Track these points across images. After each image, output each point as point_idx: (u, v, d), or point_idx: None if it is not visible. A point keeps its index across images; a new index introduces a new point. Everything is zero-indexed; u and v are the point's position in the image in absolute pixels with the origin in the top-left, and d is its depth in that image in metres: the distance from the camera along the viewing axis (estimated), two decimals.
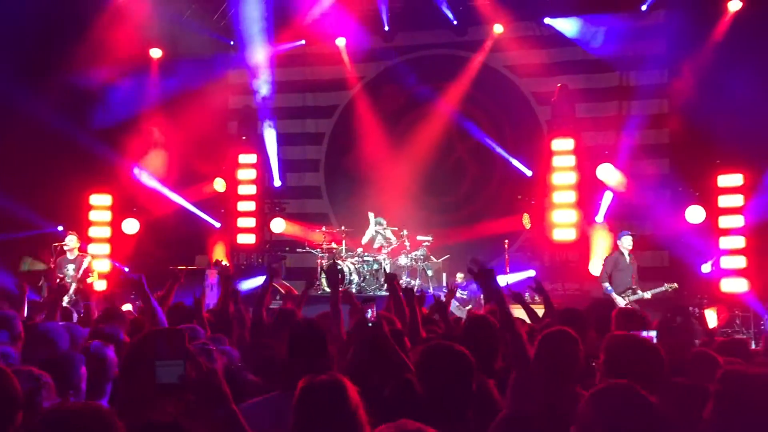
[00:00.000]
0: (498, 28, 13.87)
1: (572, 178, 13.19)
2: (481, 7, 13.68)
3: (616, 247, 10.18)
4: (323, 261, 12.69)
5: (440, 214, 14.23)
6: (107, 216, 14.11)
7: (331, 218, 14.81)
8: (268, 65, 14.47)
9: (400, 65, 14.79)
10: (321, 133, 15.53)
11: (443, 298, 5.75)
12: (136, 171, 13.73)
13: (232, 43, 14.80)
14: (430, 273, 12.51)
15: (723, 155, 11.93)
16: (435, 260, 12.66)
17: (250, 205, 14.87)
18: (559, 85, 13.25)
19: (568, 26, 13.51)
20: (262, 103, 14.61)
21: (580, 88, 13.54)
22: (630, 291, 9.73)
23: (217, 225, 14.76)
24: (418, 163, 14.16)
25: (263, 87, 14.52)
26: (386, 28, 14.34)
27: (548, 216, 13.27)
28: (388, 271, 12.18)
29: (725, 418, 2.22)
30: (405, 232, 12.49)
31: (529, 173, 13.90)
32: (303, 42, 14.77)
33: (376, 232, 12.71)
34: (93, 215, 13.98)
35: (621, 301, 9.57)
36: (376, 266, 12.46)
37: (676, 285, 9.86)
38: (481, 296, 6.35)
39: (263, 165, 14.87)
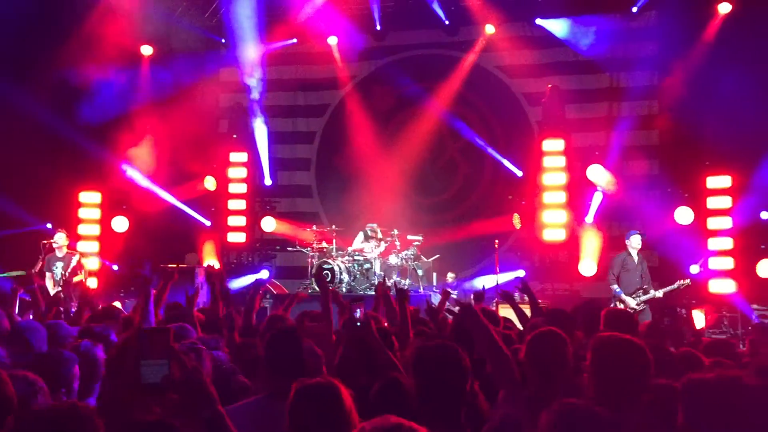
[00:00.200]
0: (489, 29, 13.89)
1: (562, 178, 13.24)
2: (472, 8, 13.68)
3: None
4: (314, 260, 12.68)
5: (431, 214, 14.26)
6: (96, 213, 14.05)
7: (322, 217, 14.79)
8: (259, 63, 14.43)
9: (392, 65, 14.79)
10: (312, 132, 15.51)
11: (434, 302, 5.77)
12: (125, 168, 13.68)
13: (223, 41, 14.76)
14: (420, 272, 12.52)
15: (712, 157, 12.01)
16: (425, 260, 12.67)
17: (240, 204, 14.85)
18: (549, 85, 13.29)
19: (559, 27, 13.54)
20: (253, 101, 14.57)
21: (571, 89, 13.59)
22: (641, 291, 9.62)
23: (208, 223, 14.73)
24: (409, 163, 14.17)
25: (254, 85, 14.48)
26: (378, 28, 14.34)
27: (538, 216, 13.31)
28: (378, 271, 12.19)
29: (693, 425, 2.24)
30: (395, 232, 12.49)
31: (519, 173, 13.93)
32: (295, 40, 14.74)
33: (368, 238, 12.66)
34: (82, 212, 13.93)
35: (631, 302, 9.49)
36: (366, 266, 12.46)
37: (688, 281, 9.76)
38: (472, 296, 6.36)
39: (254, 163, 14.84)
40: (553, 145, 13.29)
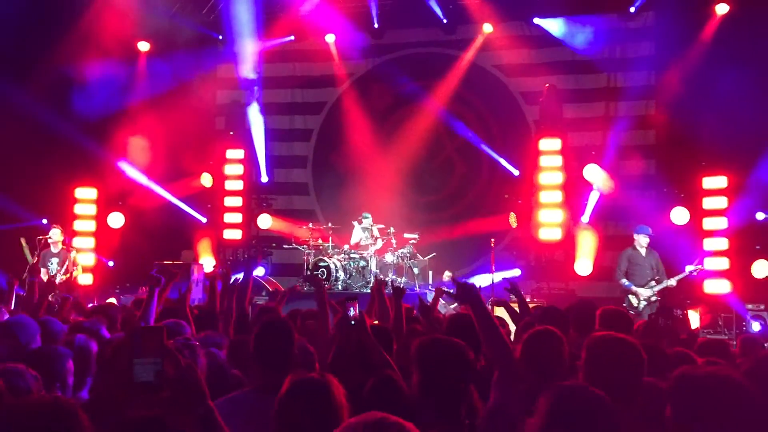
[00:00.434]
0: (487, 28, 13.89)
1: (559, 177, 13.25)
2: (470, 6, 13.68)
3: (620, 245, 10.23)
4: (310, 257, 12.68)
5: (427, 212, 14.26)
6: (92, 209, 14.05)
7: (318, 215, 14.78)
8: (256, 60, 14.42)
9: (389, 63, 14.78)
10: (309, 130, 15.50)
11: (428, 300, 5.78)
12: (122, 165, 13.66)
13: (220, 37, 14.74)
14: (416, 271, 12.53)
15: (708, 157, 12.03)
16: (421, 258, 12.67)
17: (236, 201, 14.84)
18: (547, 85, 13.30)
19: (556, 27, 13.55)
20: (250, 98, 14.54)
21: (568, 88, 13.61)
22: (653, 282, 9.74)
23: (204, 220, 14.72)
24: (406, 161, 14.17)
25: (251, 82, 14.46)
26: (376, 26, 14.33)
27: (535, 215, 13.32)
28: (374, 269, 12.19)
29: (682, 422, 2.24)
30: (392, 230, 12.49)
31: (516, 172, 13.95)
32: (292, 38, 14.73)
33: (363, 229, 12.71)
34: (78, 208, 13.92)
35: (645, 293, 9.63)
36: (362, 263, 12.46)
37: (701, 266, 9.94)
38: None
39: (251, 160, 14.84)
40: (550, 144, 13.30)
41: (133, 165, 13.79)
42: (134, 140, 13.67)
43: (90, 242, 13.72)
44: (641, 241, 10.01)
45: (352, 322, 3.50)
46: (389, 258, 12.39)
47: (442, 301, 11.76)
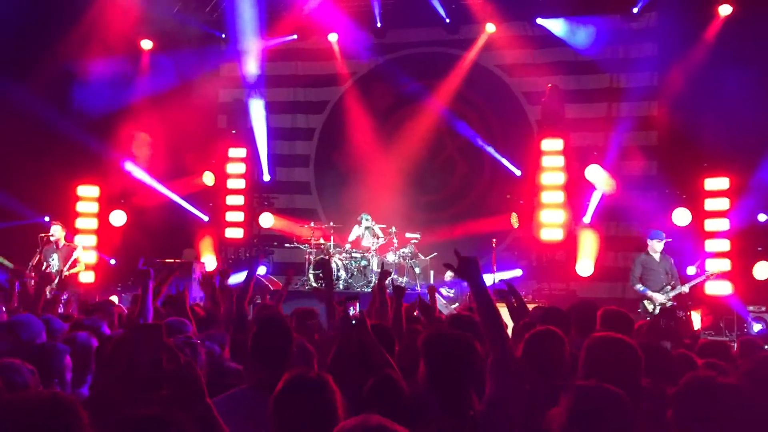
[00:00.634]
0: (490, 27, 13.88)
1: (561, 178, 13.25)
2: (473, 6, 13.69)
3: (646, 247, 9.94)
4: (311, 256, 12.69)
5: (429, 212, 14.25)
6: (94, 207, 14.07)
7: (320, 214, 14.79)
8: (259, 59, 14.42)
9: (392, 62, 14.77)
10: (311, 129, 15.50)
11: (428, 299, 5.78)
12: (125, 163, 13.67)
13: (223, 36, 14.73)
14: (417, 270, 12.53)
15: (710, 159, 12.02)
16: (423, 258, 12.67)
17: (238, 199, 14.86)
18: (549, 85, 13.29)
19: (559, 27, 13.54)
20: (252, 97, 14.54)
21: (571, 88, 13.60)
22: (669, 287, 9.61)
23: (206, 218, 14.73)
24: (408, 161, 14.16)
25: (254, 80, 14.46)
26: (378, 25, 14.32)
27: (536, 216, 13.32)
28: (375, 268, 12.19)
29: (683, 424, 2.24)
30: (393, 229, 12.50)
31: (518, 173, 13.94)
32: (295, 37, 14.73)
33: (365, 228, 12.71)
34: (80, 206, 13.95)
35: (661, 298, 9.49)
36: (364, 263, 12.47)
37: (716, 270, 9.84)
38: (468, 295, 6.37)
39: (253, 159, 14.84)
40: (552, 144, 13.30)
41: (136, 163, 13.80)
42: (137, 138, 13.67)
43: (92, 240, 13.73)
44: (655, 246, 9.82)
45: (353, 322, 3.50)
46: (391, 257, 12.40)
47: (442, 301, 11.81)
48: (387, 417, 1.97)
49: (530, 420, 2.75)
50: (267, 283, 12.80)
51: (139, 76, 14.15)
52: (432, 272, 13.06)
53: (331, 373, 2.96)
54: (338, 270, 12.18)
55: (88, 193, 14.05)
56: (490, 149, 14.14)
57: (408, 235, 12.62)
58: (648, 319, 8.85)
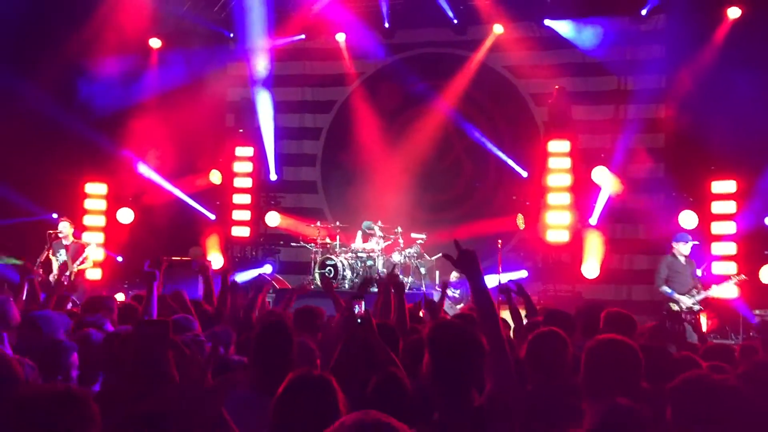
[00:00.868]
0: (498, 28, 13.87)
1: (567, 180, 13.24)
2: (481, 7, 13.68)
3: (670, 249, 9.70)
4: (317, 256, 12.72)
5: (435, 212, 14.24)
6: (102, 205, 14.14)
7: (326, 213, 14.82)
8: (267, 58, 14.45)
9: (400, 62, 14.78)
10: (319, 128, 15.53)
11: (435, 298, 5.80)
12: (133, 161, 13.73)
13: (231, 35, 14.79)
14: (423, 271, 12.54)
15: (717, 161, 12.00)
16: (428, 258, 12.68)
17: (245, 198, 14.91)
18: (556, 86, 13.28)
19: (567, 28, 13.52)
20: (260, 96, 14.57)
21: (578, 90, 13.59)
22: (695, 290, 9.40)
23: (212, 217, 14.78)
24: (415, 161, 14.17)
25: (262, 80, 14.49)
26: (386, 25, 14.34)
27: (542, 217, 13.31)
28: (381, 268, 12.20)
29: (681, 424, 2.26)
30: (399, 229, 12.51)
31: (524, 174, 13.93)
32: (303, 36, 14.76)
33: (368, 235, 12.69)
34: (88, 204, 14.02)
35: (687, 301, 9.27)
36: (369, 262, 12.49)
37: (742, 276, 9.61)
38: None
39: (260, 158, 14.89)
40: (559, 146, 13.29)
41: (144, 161, 13.86)
42: (149, 152, 13.76)
43: (99, 237, 13.80)
44: (681, 249, 9.53)
45: (359, 321, 3.53)
46: (396, 257, 12.42)
47: (447, 301, 11.81)
48: (390, 415, 1.99)
49: (532, 420, 2.76)
50: (273, 282, 12.84)
51: (148, 74, 14.21)
52: (437, 272, 13.07)
53: (335, 372, 2.99)
54: (344, 270, 12.21)
55: (95, 191, 14.12)
56: (497, 150, 14.14)
57: (414, 235, 12.63)
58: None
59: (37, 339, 3.67)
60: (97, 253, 11.49)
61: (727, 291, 9.76)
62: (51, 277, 10.02)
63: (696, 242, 9.82)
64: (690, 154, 12.43)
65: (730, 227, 11.89)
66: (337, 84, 15.27)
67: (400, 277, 11.90)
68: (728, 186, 12.04)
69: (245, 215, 14.87)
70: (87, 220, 13.78)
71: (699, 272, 10.23)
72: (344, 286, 11.85)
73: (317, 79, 15.30)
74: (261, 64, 14.41)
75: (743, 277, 9.63)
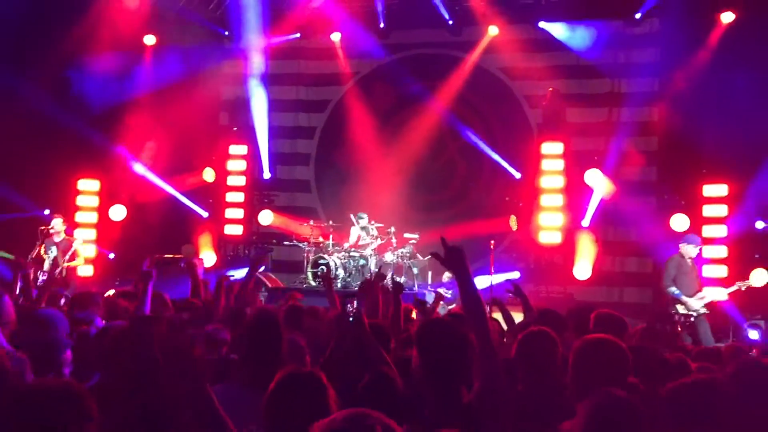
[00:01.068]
0: (493, 30, 13.90)
1: (560, 181, 13.30)
2: (476, 8, 13.70)
3: (677, 250, 9.57)
4: (310, 255, 12.73)
5: (428, 213, 14.27)
6: (94, 201, 14.11)
7: (320, 212, 14.82)
8: (262, 57, 14.44)
9: (395, 63, 14.80)
10: (313, 127, 15.53)
11: (428, 299, 5.83)
12: (126, 158, 13.70)
13: (226, 33, 14.76)
14: (415, 271, 12.58)
15: (709, 165, 12.06)
16: (421, 258, 12.71)
17: (238, 197, 14.90)
18: (550, 89, 13.32)
19: (562, 31, 13.57)
20: (254, 95, 14.55)
21: (572, 92, 13.64)
22: (702, 293, 9.28)
23: (205, 215, 14.76)
24: (408, 162, 14.19)
25: (256, 78, 14.48)
26: (381, 25, 14.34)
27: (535, 218, 13.36)
28: (374, 267, 12.22)
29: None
30: (392, 229, 12.53)
31: (517, 175, 13.97)
32: (298, 35, 14.76)
33: (361, 228, 12.74)
34: (80, 200, 13.98)
35: (695, 304, 9.16)
36: (362, 262, 12.51)
37: (750, 282, 9.42)
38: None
39: (253, 157, 14.87)
40: (552, 148, 13.34)
41: (137, 158, 13.84)
42: (146, 145, 13.74)
43: (91, 234, 13.77)
44: (690, 251, 9.41)
45: (350, 319, 3.55)
46: (389, 257, 12.44)
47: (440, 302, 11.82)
48: (381, 412, 2.01)
49: (523, 419, 2.78)
50: (265, 279, 12.84)
51: (142, 71, 14.17)
52: (430, 273, 13.10)
53: (327, 369, 3.00)
54: (336, 269, 12.23)
55: (88, 187, 14.09)
56: (491, 151, 14.17)
57: (407, 235, 12.65)
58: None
59: (36, 336, 3.66)
60: (85, 247, 11.43)
61: (722, 294, 9.66)
62: (39, 274, 9.97)
63: (702, 246, 9.70)
64: (682, 158, 12.49)
65: (721, 230, 11.96)
66: (331, 83, 15.28)
67: (390, 276, 11.95)
68: (720, 189, 12.11)
69: (238, 213, 14.87)
70: (79, 216, 13.75)
71: (739, 285, 10.09)
72: (337, 285, 11.85)
73: (312, 78, 15.30)
74: (256, 63, 14.40)
75: (748, 283, 9.45)
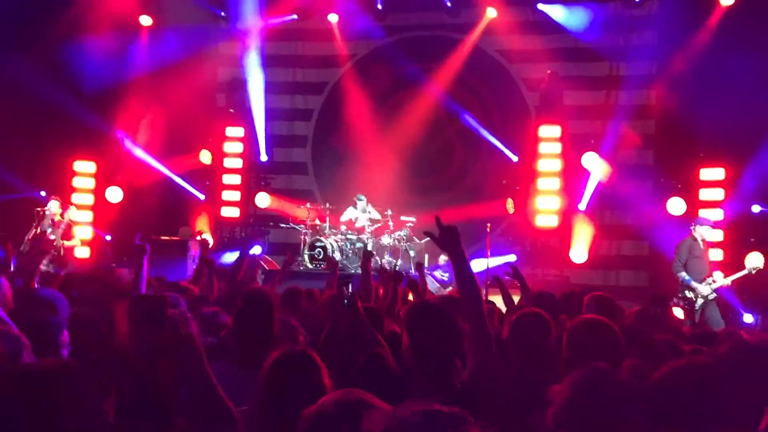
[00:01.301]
0: (491, 12, 13.82)
1: (557, 165, 13.30)
2: None
3: (688, 233, 9.31)
4: (307, 237, 12.75)
5: (425, 195, 14.25)
6: (91, 183, 14.09)
7: (317, 195, 14.82)
8: (258, 38, 14.36)
9: (392, 45, 14.73)
10: (310, 110, 15.48)
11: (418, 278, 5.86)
12: (122, 140, 13.66)
13: (223, 14, 14.66)
14: (412, 254, 12.60)
15: (706, 149, 12.06)
16: (418, 241, 12.73)
17: (235, 179, 14.88)
18: (549, 71, 13.28)
19: (560, 13, 13.50)
20: (251, 76, 14.48)
21: (570, 75, 13.59)
22: (710, 278, 9.05)
23: (202, 197, 14.75)
24: (406, 144, 14.16)
25: (253, 60, 14.39)
26: (379, 7, 14.25)
27: (532, 202, 13.37)
28: (370, 249, 12.24)
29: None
30: (389, 212, 12.54)
31: (515, 158, 13.96)
32: (295, 16, 14.67)
33: (361, 211, 12.74)
34: (76, 182, 13.95)
35: (704, 290, 8.95)
36: (359, 244, 12.52)
37: (759, 266, 9.14)
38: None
39: (250, 139, 14.84)
40: (550, 131, 13.33)
41: (134, 140, 13.80)
42: (144, 119, 13.67)
43: (88, 216, 13.75)
44: (704, 233, 9.15)
45: (345, 302, 3.56)
46: (386, 240, 12.46)
47: (436, 284, 11.88)
48: (376, 394, 2.02)
49: (515, 400, 2.80)
50: (262, 263, 12.86)
51: (138, 52, 14.09)
52: (427, 256, 13.11)
53: (323, 351, 3.02)
54: (333, 251, 12.24)
55: (84, 169, 14.06)
56: (488, 134, 14.14)
57: (403, 218, 12.66)
58: (686, 307, 8.78)
59: (34, 317, 3.66)
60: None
61: (728, 280, 9.24)
62: (22, 247, 9.91)
63: (718, 228, 9.50)
64: (679, 141, 12.48)
65: (717, 214, 11.97)
66: (328, 65, 15.20)
67: (388, 261, 11.97)
68: (716, 173, 12.12)
69: (235, 196, 14.85)
70: (75, 198, 13.72)
71: (750, 268, 9.95)
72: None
73: (309, 60, 15.22)
74: (252, 44, 14.31)
75: (760, 267, 9.19)
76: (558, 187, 13.26)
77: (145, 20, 14.12)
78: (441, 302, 3.15)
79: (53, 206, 10.49)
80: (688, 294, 9.16)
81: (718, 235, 11.92)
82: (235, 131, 14.83)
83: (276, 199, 14.69)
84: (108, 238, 13.92)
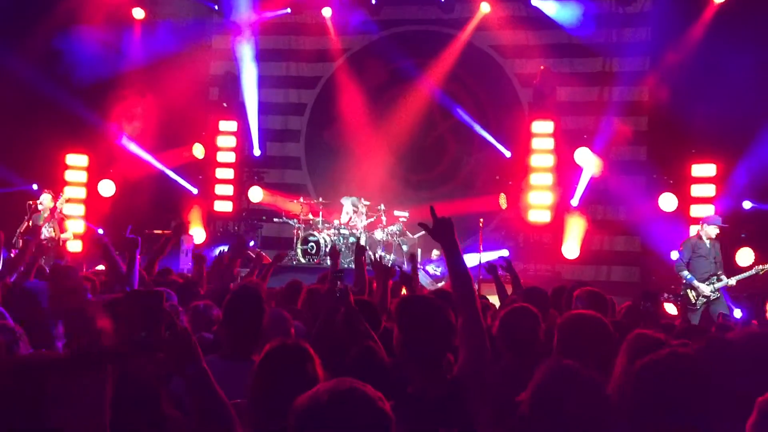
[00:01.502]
0: (485, 7, 13.82)
1: (550, 160, 13.32)
2: None
3: (695, 233, 9.39)
4: (300, 232, 12.75)
5: (418, 191, 14.29)
6: (83, 176, 14.04)
7: (310, 189, 14.81)
8: (252, 32, 14.32)
9: (386, 39, 14.71)
10: (303, 104, 15.45)
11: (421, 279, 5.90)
12: (115, 133, 13.61)
13: (216, 7, 14.62)
14: (405, 248, 12.61)
15: (698, 145, 12.11)
16: (411, 236, 12.74)
17: (228, 173, 14.85)
18: (542, 67, 13.30)
19: (554, 9, 13.50)
20: (244, 70, 14.44)
21: (563, 71, 13.62)
22: (715, 278, 8.98)
23: (195, 191, 14.71)
24: (399, 139, 14.18)
25: (246, 54, 14.36)
26: (373, 2, 14.24)
27: (524, 197, 13.40)
28: (363, 244, 12.25)
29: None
30: (382, 207, 12.55)
31: (507, 154, 13.98)
32: (288, 10, 14.64)
33: (354, 212, 12.73)
34: (69, 175, 13.90)
35: (706, 289, 8.90)
36: (352, 239, 12.53)
37: (766, 267, 9.01)
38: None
39: (243, 133, 14.81)
40: (543, 126, 13.35)
41: (126, 134, 13.75)
42: (135, 110, 13.61)
43: (80, 209, 13.71)
44: (710, 231, 9.10)
45: (338, 295, 3.59)
46: (379, 235, 12.47)
47: (428, 279, 11.91)
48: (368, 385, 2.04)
49: (505, 394, 2.82)
50: (252, 253, 12.84)
51: (131, 45, 14.04)
52: (419, 250, 13.12)
53: (317, 343, 3.04)
54: (326, 246, 12.25)
55: (76, 162, 14.01)
56: (481, 130, 14.16)
57: (396, 213, 12.68)
58: (689, 306, 8.80)
59: (24, 310, 3.67)
60: (69, 223, 11.33)
61: (733, 280, 9.16)
62: (13, 240, 9.87)
63: (726, 225, 9.39)
64: (671, 138, 12.53)
65: (709, 210, 12.02)
66: (322, 59, 15.18)
67: (380, 255, 11.98)
68: (708, 169, 12.18)
69: (228, 190, 14.83)
70: (67, 191, 13.63)
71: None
72: (326, 262, 11.88)
73: (302, 54, 15.19)
74: (246, 38, 14.28)
75: (766, 267, 9.10)
76: (551, 183, 13.29)
77: (138, 13, 14.05)
78: (432, 296, 3.16)
79: (45, 199, 10.45)
80: (690, 293, 9.10)
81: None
82: (229, 125, 14.80)
83: (269, 194, 14.68)
84: (100, 231, 13.87)
